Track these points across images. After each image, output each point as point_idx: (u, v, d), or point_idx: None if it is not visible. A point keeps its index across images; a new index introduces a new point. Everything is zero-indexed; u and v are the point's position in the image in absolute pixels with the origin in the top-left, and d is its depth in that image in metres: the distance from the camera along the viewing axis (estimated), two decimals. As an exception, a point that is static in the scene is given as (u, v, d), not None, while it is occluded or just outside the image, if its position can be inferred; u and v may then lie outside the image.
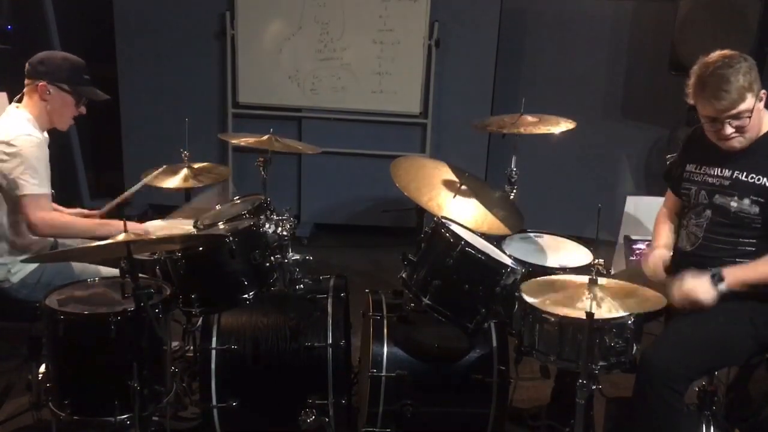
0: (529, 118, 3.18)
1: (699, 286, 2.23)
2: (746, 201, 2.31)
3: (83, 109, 2.75)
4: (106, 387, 2.18)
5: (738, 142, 2.32)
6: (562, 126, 3.13)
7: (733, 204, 2.33)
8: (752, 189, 2.31)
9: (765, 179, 2.29)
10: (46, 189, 2.57)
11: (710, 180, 2.42)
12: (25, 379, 2.54)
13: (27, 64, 2.67)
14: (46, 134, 2.73)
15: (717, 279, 2.22)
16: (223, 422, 2.58)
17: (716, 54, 2.28)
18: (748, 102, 2.22)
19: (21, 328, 2.58)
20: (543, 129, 3.11)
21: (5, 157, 2.51)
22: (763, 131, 2.34)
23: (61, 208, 2.91)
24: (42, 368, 2.37)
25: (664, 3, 4.71)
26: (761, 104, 2.28)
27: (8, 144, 2.51)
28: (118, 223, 2.65)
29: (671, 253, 2.52)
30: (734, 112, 2.24)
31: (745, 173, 2.33)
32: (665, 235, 2.60)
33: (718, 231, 2.38)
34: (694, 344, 2.26)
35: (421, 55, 4.92)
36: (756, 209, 2.30)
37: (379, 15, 4.88)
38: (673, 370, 2.20)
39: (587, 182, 5.13)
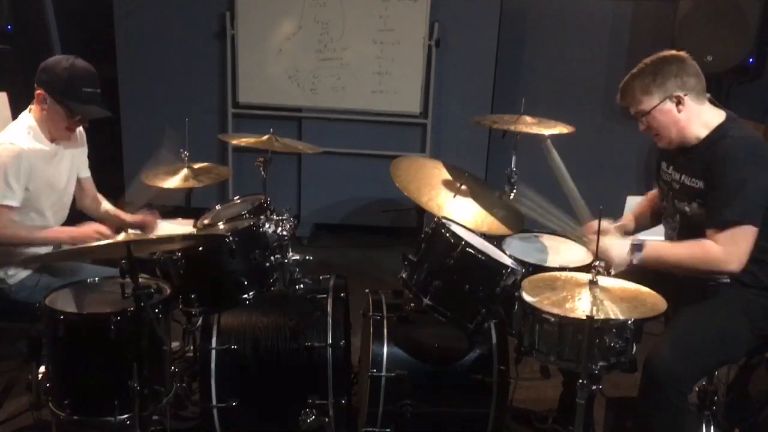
0: (529, 119, 3.19)
1: (616, 247, 2.29)
2: (694, 205, 2.35)
3: (83, 122, 2.70)
4: (106, 387, 2.18)
5: (660, 141, 2.43)
6: (558, 129, 3.14)
7: (687, 209, 2.38)
8: (694, 193, 2.34)
9: (700, 182, 2.31)
10: (10, 201, 2.51)
11: (671, 183, 2.46)
12: (25, 379, 2.54)
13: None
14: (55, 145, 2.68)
15: (636, 248, 2.27)
16: (223, 422, 2.58)
17: (656, 56, 2.41)
18: (644, 104, 2.34)
19: (21, 328, 2.59)
20: (541, 129, 3.12)
21: None
22: (703, 134, 2.35)
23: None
24: (42, 368, 2.37)
25: (664, 3, 4.71)
26: (675, 107, 2.32)
27: None
28: (69, 231, 2.66)
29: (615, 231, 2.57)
30: (633, 110, 2.39)
31: (688, 177, 2.37)
32: (628, 218, 2.72)
33: (686, 234, 2.40)
34: (697, 343, 2.27)
35: (421, 55, 4.92)
36: (705, 211, 2.31)
37: (379, 15, 4.88)
38: (679, 371, 2.21)
39: (587, 182, 5.10)
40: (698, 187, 2.32)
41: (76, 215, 2.90)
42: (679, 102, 2.32)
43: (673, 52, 2.39)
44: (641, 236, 3.25)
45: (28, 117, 2.64)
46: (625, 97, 2.40)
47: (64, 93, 2.59)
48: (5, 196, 2.50)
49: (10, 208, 2.53)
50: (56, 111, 2.61)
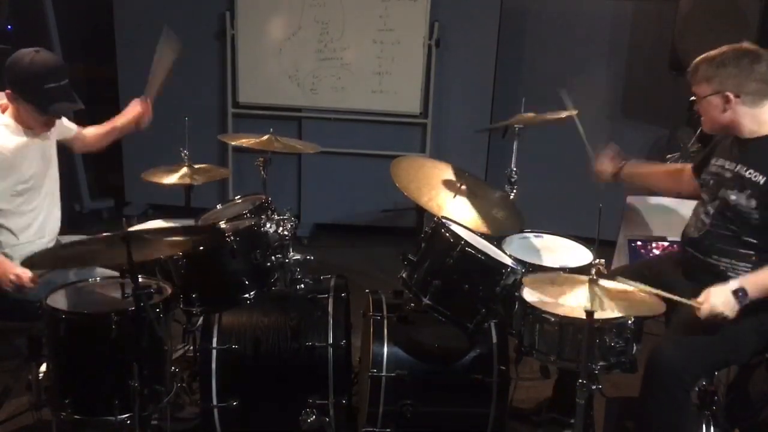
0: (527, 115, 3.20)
1: (722, 304, 2.21)
2: (743, 195, 2.33)
3: (59, 117, 2.68)
4: (106, 387, 2.18)
5: (702, 123, 2.50)
6: (562, 114, 3.13)
7: (733, 197, 2.35)
8: (748, 184, 2.33)
9: (761, 177, 2.30)
10: None
11: (722, 171, 2.45)
12: (25, 379, 2.54)
13: None
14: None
15: (741, 296, 2.21)
16: (223, 422, 2.58)
17: (738, 45, 2.38)
18: (701, 89, 2.38)
19: (21, 328, 2.58)
20: (547, 117, 3.11)
21: None
22: (762, 130, 2.36)
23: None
24: (42, 368, 2.37)
25: (664, 3, 4.71)
26: (722, 104, 2.34)
27: None
28: None
29: (623, 165, 2.73)
30: (693, 89, 2.43)
31: (746, 168, 2.35)
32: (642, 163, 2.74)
33: (721, 223, 2.40)
34: (703, 340, 2.26)
35: (421, 55, 4.91)
36: (753, 203, 2.31)
37: (379, 15, 4.88)
38: (683, 365, 2.21)
39: (587, 182, 5.11)
40: (756, 181, 2.31)
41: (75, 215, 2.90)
42: (727, 101, 2.33)
43: (753, 48, 2.37)
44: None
45: (3, 116, 2.62)
46: (692, 73, 2.43)
47: (28, 93, 2.54)
48: None
49: None
50: (26, 108, 2.58)
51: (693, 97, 2.46)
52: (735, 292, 2.20)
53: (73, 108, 2.66)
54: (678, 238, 2.75)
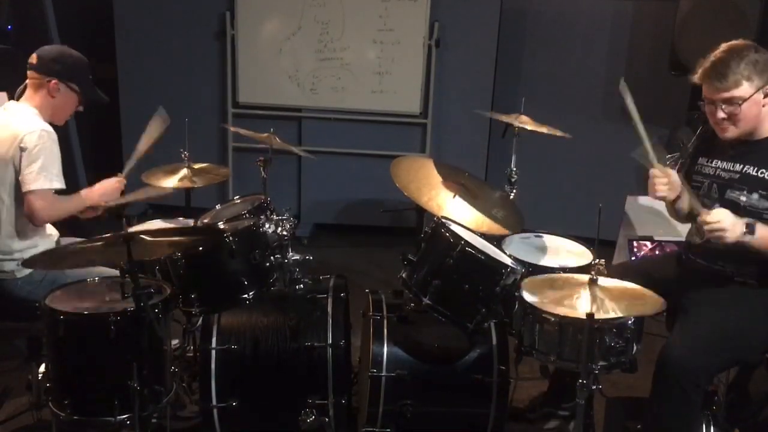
0: (525, 118, 3.19)
1: (730, 223, 2.18)
2: (755, 195, 2.32)
3: (80, 108, 2.78)
4: (106, 387, 2.18)
5: (730, 131, 2.36)
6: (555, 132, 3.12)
7: (743, 198, 2.34)
8: (760, 183, 2.32)
9: None
10: (59, 184, 2.60)
11: (722, 174, 2.43)
12: (25, 379, 2.54)
13: (36, 58, 2.66)
14: None
15: (750, 227, 2.19)
16: (223, 422, 2.58)
17: (737, 41, 2.32)
18: (743, 90, 2.26)
19: (21, 328, 2.59)
20: (538, 128, 3.11)
21: (22, 153, 2.52)
22: None
23: None
24: (42, 368, 2.37)
25: (664, 3, 4.71)
26: (762, 99, 2.29)
27: (25, 139, 2.52)
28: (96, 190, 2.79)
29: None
30: (727, 95, 2.28)
31: (754, 168, 2.34)
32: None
33: None
34: (716, 338, 2.25)
35: (421, 55, 4.92)
36: (765, 203, 2.30)
37: (379, 15, 4.88)
38: (696, 364, 2.20)
39: (587, 182, 5.12)
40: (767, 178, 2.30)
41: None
42: (766, 96, 2.30)
43: (748, 42, 2.33)
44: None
45: (25, 105, 2.65)
46: (725, 77, 2.26)
47: (80, 82, 2.70)
48: (58, 179, 2.60)
49: (52, 190, 2.61)
50: (70, 99, 2.71)
51: (703, 102, 2.36)
52: (747, 224, 2.19)
53: (105, 99, 2.87)
54: (678, 238, 2.75)
